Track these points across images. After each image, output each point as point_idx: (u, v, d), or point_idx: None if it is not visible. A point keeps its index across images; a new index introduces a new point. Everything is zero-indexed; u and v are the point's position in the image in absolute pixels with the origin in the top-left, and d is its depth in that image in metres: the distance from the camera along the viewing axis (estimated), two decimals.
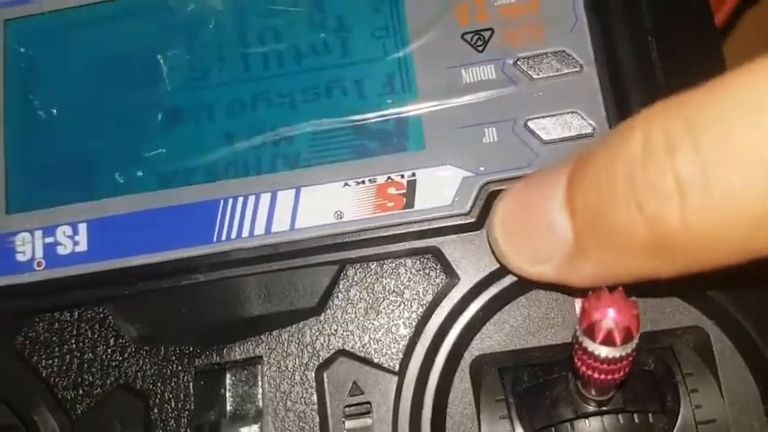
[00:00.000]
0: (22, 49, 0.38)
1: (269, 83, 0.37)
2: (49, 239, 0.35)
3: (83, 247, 0.35)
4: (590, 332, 0.28)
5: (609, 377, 0.29)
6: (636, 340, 0.28)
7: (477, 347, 0.34)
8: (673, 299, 0.33)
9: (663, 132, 0.24)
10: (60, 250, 0.35)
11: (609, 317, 0.27)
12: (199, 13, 0.38)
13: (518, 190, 0.30)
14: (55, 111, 0.37)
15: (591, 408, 0.33)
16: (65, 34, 0.38)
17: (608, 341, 0.27)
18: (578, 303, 0.30)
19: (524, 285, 0.34)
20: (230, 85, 0.37)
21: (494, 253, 0.32)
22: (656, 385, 0.34)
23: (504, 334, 0.34)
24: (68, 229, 0.35)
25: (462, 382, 0.33)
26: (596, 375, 0.29)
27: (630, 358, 0.28)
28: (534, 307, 0.34)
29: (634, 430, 0.33)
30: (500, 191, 0.34)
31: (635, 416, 0.33)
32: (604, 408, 0.33)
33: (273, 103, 0.36)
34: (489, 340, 0.34)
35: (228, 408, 0.32)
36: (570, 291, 0.31)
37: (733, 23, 0.52)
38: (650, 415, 0.33)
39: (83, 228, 0.35)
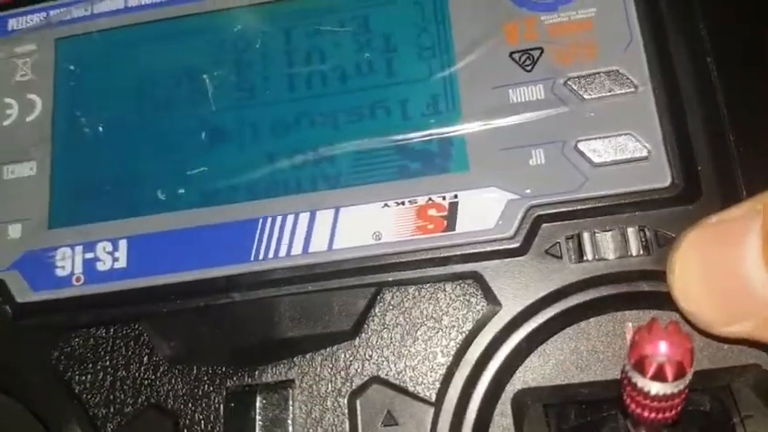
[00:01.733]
0: (72, 67, 0.38)
1: (312, 103, 0.36)
2: (89, 255, 0.35)
3: (122, 263, 0.35)
4: (640, 367, 0.26)
5: (660, 416, 0.27)
6: (689, 377, 0.26)
7: (519, 381, 0.32)
8: None
9: None
10: (100, 266, 0.35)
11: (660, 351, 0.25)
12: (245, 33, 0.38)
13: (697, 240, 0.28)
14: (101, 128, 0.37)
15: None
16: (113, 53, 0.38)
17: (659, 377, 0.25)
18: (629, 334, 0.28)
19: (571, 316, 0.32)
20: (274, 105, 0.37)
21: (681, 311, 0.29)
22: (711, 427, 0.32)
23: (548, 368, 0.32)
24: (109, 245, 0.35)
25: (503, 417, 0.31)
26: (646, 414, 0.27)
27: (683, 396, 0.26)
28: (582, 340, 0.32)
29: None
30: (547, 215, 0.33)
31: None
32: None
33: (316, 123, 0.36)
34: (533, 374, 0.32)
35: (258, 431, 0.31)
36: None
37: None
38: None
39: (123, 244, 0.35)
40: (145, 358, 0.34)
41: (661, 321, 0.26)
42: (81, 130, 0.37)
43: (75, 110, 0.38)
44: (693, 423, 0.32)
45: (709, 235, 0.28)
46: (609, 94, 0.33)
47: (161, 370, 0.33)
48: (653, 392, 0.26)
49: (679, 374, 0.25)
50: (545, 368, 0.32)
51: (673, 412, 0.27)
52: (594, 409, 0.33)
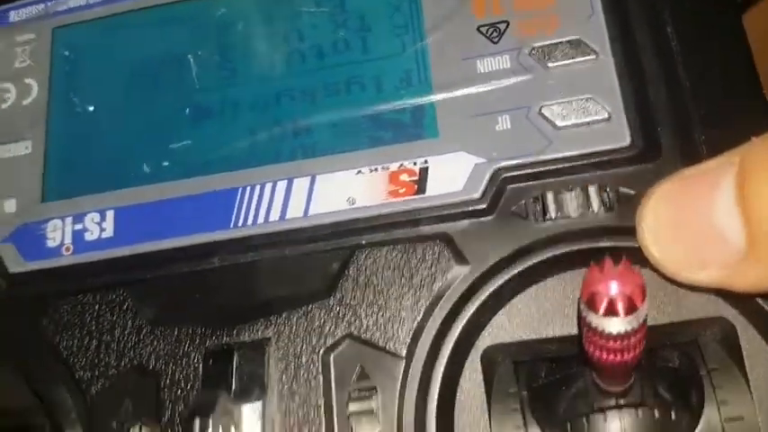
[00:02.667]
0: (67, 53, 0.40)
1: (291, 80, 0.38)
2: (78, 226, 0.37)
3: (109, 233, 0.37)
4: (592, 304, 0.26)
5: (619, 358, 0.27)
6: (642, 314, 0.26)
7: (488, 337, 0.33)
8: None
9: None
10: (88, 236, 0.37)
11: (610, 287, 0.26)
12: (228, 17, 0.39)
13: (670, 190, 0.29)
14: (92, 108, 0.39)
15: (609, 403, 0.31)
16: (105, 39, 0.40)
17: (610, 312, 0.26)
18: None
19: (537, 273, 0.33)
20: (255, 84, 0.38)
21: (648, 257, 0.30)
22: (679, 382, 0.32)
23: (516, 324, 0.33)
24: (97, 216, 0.37)
25: (473, 372, 0.32)
26: (605, 356, 0.28)
27: (639, 336, 0.27)
28: (549, 297, 0.33)
29: (654, 427, 0.31)
30: (512, 177, 0.34)
31: (655, 411, 0.31)
32: (622, 402, 0.31)
33: (296, 99, 0.38)
34: (501, 330, 0.33)
35: (234, 387, 0.32)
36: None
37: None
38: (672, 411, 0.31)
39: (110, 215, 0.37)
40: (129, 322, 0.35)
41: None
42: (74, 111, 0.39)
43: (70, 92, 0.40)
44: (661, 378, 0.32)
45: (683, 184, 0.29)
46: (571, 61, 0.34)
47: (143, 332, 0.35)
48: (607, 331, 0.26)
49: (630, 309, 0.26)
50: (513, 325, 0.33)
51: (632, 354, 0.27)
52: (564, 365, 0.33)
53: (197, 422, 0.27)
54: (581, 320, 0.28)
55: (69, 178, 0.38)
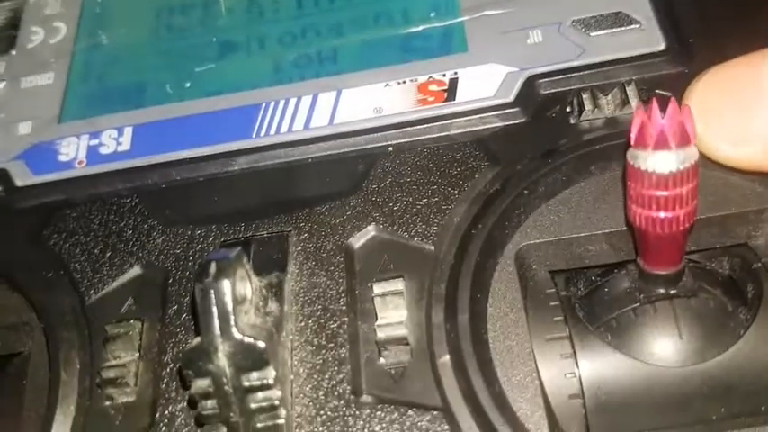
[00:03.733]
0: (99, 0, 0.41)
1: (318, 17, 0.38)
2: (94, 141, 0.36)
3: (125, 146, 0.35)
4: (641, 140, 0.25)
5: (671, 213, 0.25)
6: (695, 152, 0.25)
7: (523, 236, 0.30)
8: (741, 180, 0.30)
9: None
10: (103, 150, 0.35)
11: (659, 117, 0.25)
12: None
13: (720, 68, 0.29)
14: (118, 43, 0.39)
15: (659, 293, 0.28)
16: None
17: (662, 144, 0.24)
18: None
19: (572, 173, 0.31)
20: (282, 22, 0.39)
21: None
22: (733, 281, 0.30)
23: (552, 224, 0.30)
24: (114, 133, 0.36)
25: (507, 271, 0.30)
26: (655, 213, 0.25)
27: (692, 185, 0.25)
28: (584, 198, 0.31)
29: (710, 316, 0.28)
30: (546, 82, 0.33)
31: (710, 301, 0.28)
32: (673, 291, 0.28)
33: (321, 33, 0.38)
34: (535, 231, 0.30)
35: (251, 276, 0.29)
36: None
37: None
38: (728, 303, 0.28)
39: (128, 131, 0.36)
40: (139, 224, 0.33)
41: None
42: (100, 45, 0.39)
43: (98, 30, 0.40)
44: (717, 283, 0.29)
45: (731, 65, 0.28)
46: None
47: (154, 233, 0.32)
48: (658, 170, 0.25)
49: (683, 140, 0.24)
50: (548, 226, 0.30)
51: (683, 210, 0.25)
52: (604, 275, 0.31)
53: (213, 265, 0.25)
54: (628, 176, 0.26)
55: (89, 102, 0.37)
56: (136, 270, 0.31)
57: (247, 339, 0.24)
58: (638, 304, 0.28)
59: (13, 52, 0.40)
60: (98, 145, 0.36)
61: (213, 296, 0.24)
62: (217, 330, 0.24)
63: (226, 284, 0.24)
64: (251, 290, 0.27)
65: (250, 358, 0.25)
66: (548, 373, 0.28)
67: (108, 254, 0.32)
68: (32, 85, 0.39)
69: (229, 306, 0.24)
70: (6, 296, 0.32)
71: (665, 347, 0.28)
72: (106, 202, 0.34)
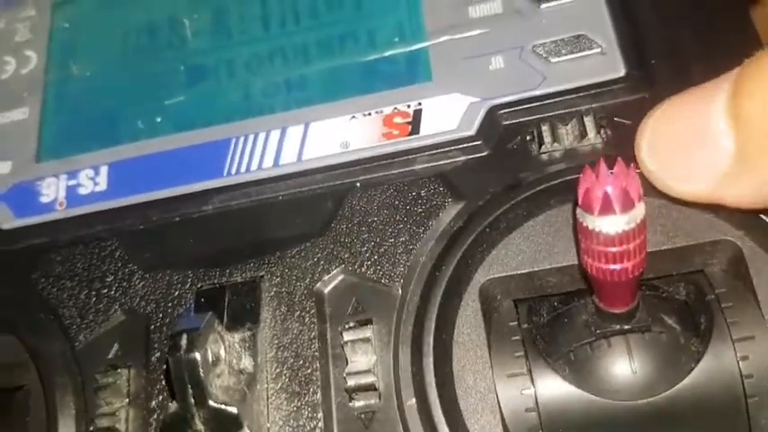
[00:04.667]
0: (66, 25, 0.41)
1: (285, 39, 0.38)
2: (72, 182, 0.37)
3: (102, 186, 0.36)
4: (587, 204, 0.26)
5: (619, 266, 0.26)
6: (641, 211, 0.25)
7: (486, 271, 0.32)
8: (698, 212, 0.30)
9: None
10: (81, 191, 0.36)
11: (604, 182, 0.25)
12: None
13: (670, 105, 0.29)
14: (89, 73, 0.40)
15: (613, 328, 0.30)
16: (103, 9, 0.41)
17: (607, 209, 0.25)
18: None
19: (533, 207, 0.32)
20: (249, 44, 0.39)
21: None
22: (686, 310, 0.31)
23: (514, 258, 0.31)
24: (91, 172, 0.37)
25: (471, 306, 0.31)
26: (606, 266, 0.26)
27: (639, 241, 0.26)
28: (546, 230, 0.32)
29: (662, 351, 0.29)
30: (508, 113, 0.33)
31: (663, 335, 0.30)
32: (627, 327, 0.30)
33: (289, 56, 0.38)
34: (499, 265, 0.32)
35: (225, 321, 0.31)
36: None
37: None
38: (681, 336, 0.30)
39: (104, 170, 0.37)
40: (120, 269, 0.34)
41: None
42: (71, 77, 0.40)
43: (68, 60, 0.40)
44: (669, 307, 0.31)
45: (682, 101, 0.29)
46: (563, 0, 0.35)
47: (134, 278, 0.34)
48: (604, 231, 0.25)
49: (626, 205, 0.25)
50: (511, 259, 0.31)
51: (632, 261, 0.26)
52: (564, 301, 0.32)
53: (183, 338, 0.26)
54: (578, 230, 0.27)
55: (64, 139, 0.38)
56: (119, 316, 0.33)
57: (221, 407, 0.26)
58: (593, 339, 0.30)
59: None
60: (76, 185, 0.37)
61: (185, 369, 0.26)
62: (191, 400, 0.26)
63: (198, 356, 0.26)
64: (224, 349, 0.28)
65: (225, 423, 0.26)
66: (508, 410, 0.29)
67: (93, 299, 0.34)
68: (9, 120, 0.39)
69: (202, 377, 0.26)
70: (2, 337, 0.34)
71: (618, 382, 0.29)
72: (88, 245, 0.35)
